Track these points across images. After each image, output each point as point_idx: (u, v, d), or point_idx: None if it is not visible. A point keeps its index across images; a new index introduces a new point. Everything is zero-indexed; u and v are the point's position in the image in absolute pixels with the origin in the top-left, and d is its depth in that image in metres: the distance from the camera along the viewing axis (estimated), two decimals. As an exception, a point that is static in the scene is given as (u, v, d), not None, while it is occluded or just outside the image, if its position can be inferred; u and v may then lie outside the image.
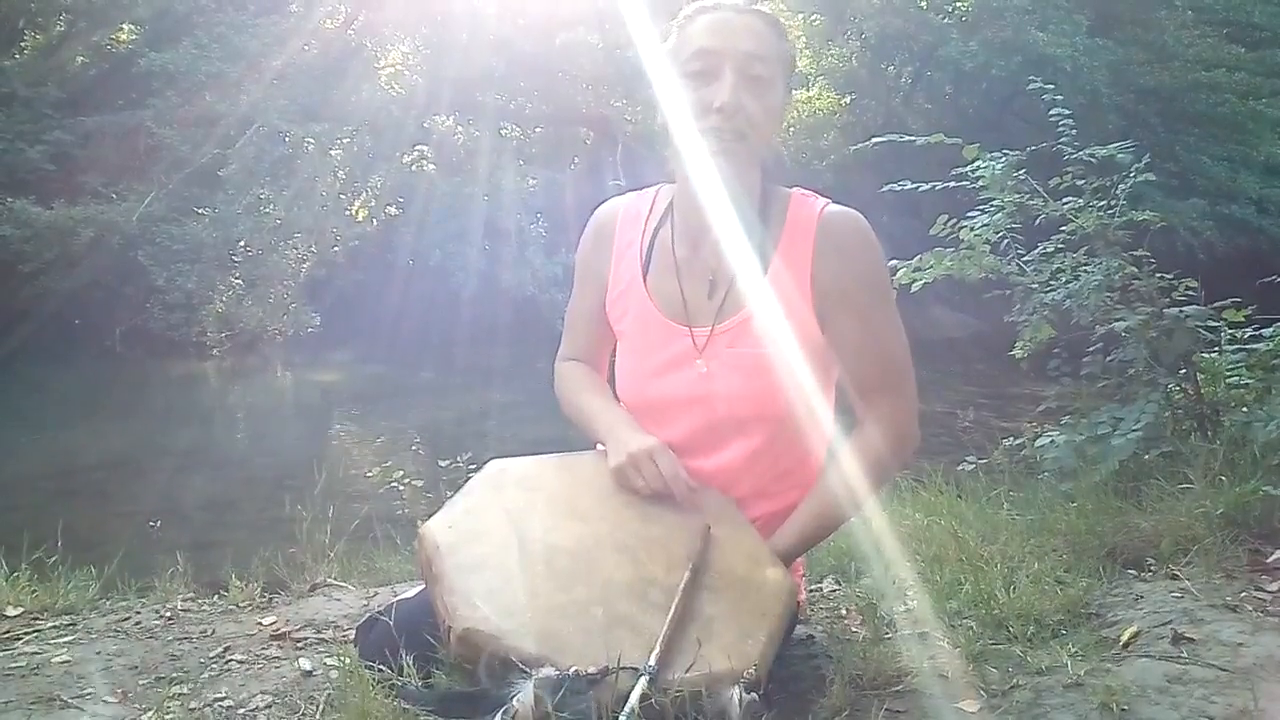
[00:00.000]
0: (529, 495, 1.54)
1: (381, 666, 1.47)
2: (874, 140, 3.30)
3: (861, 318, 1.58)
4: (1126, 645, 1.69)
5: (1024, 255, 2.98)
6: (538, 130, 14.80)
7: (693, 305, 1.63)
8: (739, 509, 1.60)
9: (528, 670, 1.25)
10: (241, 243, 11.49)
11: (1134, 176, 2.87)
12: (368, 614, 1.73)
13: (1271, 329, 2.96)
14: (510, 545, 1.44)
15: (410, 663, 1.43)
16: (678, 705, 1.25)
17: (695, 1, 1.61)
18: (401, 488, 4.08)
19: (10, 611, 2.09)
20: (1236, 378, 2.85)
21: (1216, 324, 2.81)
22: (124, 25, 13.50)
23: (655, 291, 1.66)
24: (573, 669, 1.24)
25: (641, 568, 1.43)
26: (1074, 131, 2.98)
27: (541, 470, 1.61)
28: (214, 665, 1.82)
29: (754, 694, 1.29)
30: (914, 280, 2.90)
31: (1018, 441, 3.17)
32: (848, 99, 16.77)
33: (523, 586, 1.37)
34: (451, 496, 1.55)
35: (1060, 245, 2.93)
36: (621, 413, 1.67)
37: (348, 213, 12.85)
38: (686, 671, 1.28)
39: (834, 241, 1.58)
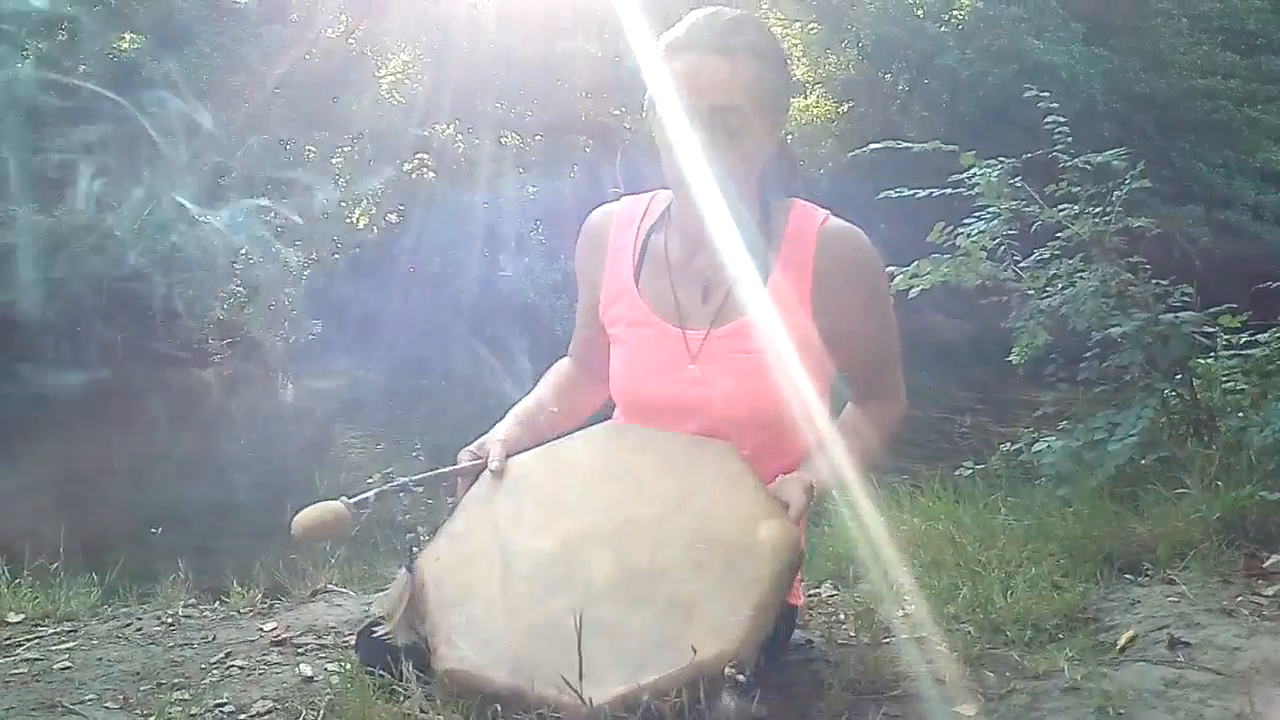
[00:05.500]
0: (517, 500, 1.55)
1: (382, 672, 1.48)
2: (871, 147, 3.31)
3: (862, 329, 1.60)
4: (1123, 649, 1.70)
5: (1020, 262, 2.99)
6: (537, 138, 14.81)
7: (685, 308, 1.64)
8: (741, 459, 1.52)
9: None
10: (242, 250, 11.50)
11: (1129, 183, 2.88)
12: (368, 620, 1.73)
13: (1267, 334, 2.98)
14: (494, 566, 1.46)
15: (410, 669, 1.43)
16: (675, 710, 1.25)
17: (671, 30, 1.57)
18: (402, 495, 4.08)
19: (12, 618, 2.09)
20: (1232, 383, 2.87)
21: (1212, 329, 2.82)
22: (126, 34, 13.52)
23: (647, 293, 1.67)
24: None
25: (624, 560, 1.43)
26: (1070, 138, 3.00)
27: (530, 468, 1.61)
28: (215, 671, 1.82)
29: (749, 699, 1.28)
30: (911, 286, 2.92)
31: (1015, 447, 3.17)
32: (845, 106, 16.81)
33: (502, 609, 1.41)
34: (450, 508, 1.59)
35: (1056, 252, 2.94)
36: (514, 417, 1.75)
37: (348, 220, 12.85)
38: (670, 668, 1.28)
39: (834, 254, 1.60)
